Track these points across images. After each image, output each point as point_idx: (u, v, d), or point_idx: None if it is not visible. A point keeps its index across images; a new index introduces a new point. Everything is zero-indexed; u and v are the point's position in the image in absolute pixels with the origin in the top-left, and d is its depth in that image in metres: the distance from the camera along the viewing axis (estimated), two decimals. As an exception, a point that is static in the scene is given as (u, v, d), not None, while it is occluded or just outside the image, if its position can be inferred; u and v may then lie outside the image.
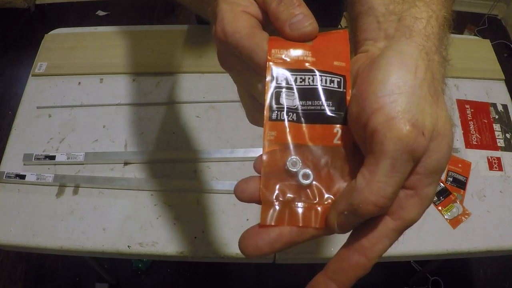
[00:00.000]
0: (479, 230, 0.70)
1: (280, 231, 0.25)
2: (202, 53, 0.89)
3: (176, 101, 0.83)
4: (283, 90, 0.25)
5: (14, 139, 0.78)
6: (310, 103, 0.25)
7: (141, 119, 0.81)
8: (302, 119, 0.25)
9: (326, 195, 0.25)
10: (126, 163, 0.76)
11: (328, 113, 0.25)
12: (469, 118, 0.83)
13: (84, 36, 0.94)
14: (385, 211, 0.23)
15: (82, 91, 0.85)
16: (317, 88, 0.25)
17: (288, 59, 0.25)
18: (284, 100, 0.25)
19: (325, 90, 0.25)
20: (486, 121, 0.83)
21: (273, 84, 0.25)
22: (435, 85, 0.25)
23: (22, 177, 0.72)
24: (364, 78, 0.24)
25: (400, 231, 0.24)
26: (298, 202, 0.25)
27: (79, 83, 0.86)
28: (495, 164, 0.77)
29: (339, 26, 1.05)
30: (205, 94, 0.84)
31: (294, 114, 0.25)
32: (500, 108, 0.85)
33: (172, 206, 0.71)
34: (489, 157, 0.78)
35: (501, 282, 1.41)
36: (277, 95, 0.25)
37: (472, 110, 0.84)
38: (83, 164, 0.75)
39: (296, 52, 0.25)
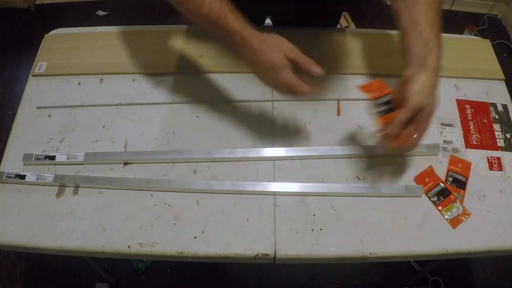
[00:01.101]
0: (479, 230, 0.70)
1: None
2: (202, 53, 0.90)
3: (176, 101, 0.83)
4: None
5: (14, 139, 0.78)
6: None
7: (141, 119, 0.81)
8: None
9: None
10: (126, 163, 0.76)
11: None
12: (469, 118, 0.83)
13: (84, 36, 0.94)
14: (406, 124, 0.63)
15: (82, 91, 0.85)
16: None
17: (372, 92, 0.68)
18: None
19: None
20: (486, 121, 0.83)
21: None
22: (432, 89, 0.63)
23: (22, 177, 0.72)
24: (410, 82, 0.62)
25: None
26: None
27: (79, 83, 0.86)
28: (495, 164, 0.77)
29: (338, 26, 1.05)
30: (205, 94, 0.84)
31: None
32: (500, 108, 0.85)
33: (172, 206, 0.71)
34: (489, 157, 0.78)
35: (501, 282, 1.41)
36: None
37: (472, 110, 0.84)
38: (83, 164, 0.75)
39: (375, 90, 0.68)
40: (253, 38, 0.60)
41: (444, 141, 0.79)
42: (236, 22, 0.60)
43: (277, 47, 0.61)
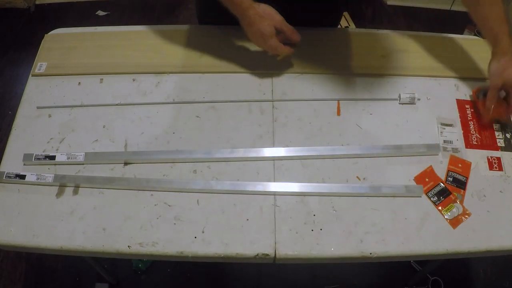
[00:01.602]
0: (479, 230, 0.70)
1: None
2: (202, 53, 0.90)
3: (176, 101, 0.83)
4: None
5: (14, 139, 0.78)
6: None
7: (141, 119, 0.81)
8: None
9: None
10: (126, 163, 0.76)
11: None
12: (469, 118, 0.83)
13: (84, 36, 0.94)
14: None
15: (82, 91, 0.85)
16: None
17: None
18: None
19: None
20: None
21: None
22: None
23: (22, 177, 0.72)
24: (498, 61, 0.79)
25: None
26: None
27: (79, 83, 0.86)
28: (495, 164, 0.77)
29: (339, 26, 1.05)
30: (205, 94, 0.84)
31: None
32: (500, 108, 0.85)
33: (172, 206, 0.71)
34: (489, 157, 0.78)
35: (501, 282, 1.41)
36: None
37: (472, 110, 0.84)
38: (83, 164, 0.75)
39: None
40: (250, 10, 0.75)
41: (444, 141, 0.79)
42: None
43: (268, 18, 0.76)
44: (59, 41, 0.92)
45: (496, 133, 0.82)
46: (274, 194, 0.72)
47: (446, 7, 2.24)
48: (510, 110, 0.80)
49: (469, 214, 0.71)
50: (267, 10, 0.76)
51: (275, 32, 0.77)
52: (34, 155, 0.75)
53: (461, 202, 0.73)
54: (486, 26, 0.79)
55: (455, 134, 0.81)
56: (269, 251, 0.67)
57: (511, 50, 0.78)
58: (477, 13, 0.79)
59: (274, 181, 0.74)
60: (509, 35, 0.77)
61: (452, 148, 0.79)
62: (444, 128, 0.81)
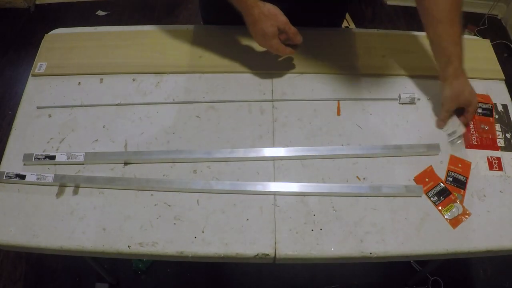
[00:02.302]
0: (479, 230, 0.70)
1: None
2: (202, 53, 0.90)
3: (176, 101, 0.83)
4: None
5: (14, 139, 0.78)
6: None
7: (141, 119, 0.81)
8: None
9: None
10: (126, 163, 0.76)
11: None
12: (469, 118, 0.83)
13: (84, 36, 0.94)
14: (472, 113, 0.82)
15: (82, 91, 0.85)
16: None
17: None
18: None
19: None
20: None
21: None
22: (469, 85, 0.80)
23: (22, 177, 0.72)
24: (457, 84, 0.78)
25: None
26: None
27: (79, 83, 0.86)
28: (495, 164, 0.77)
29: (342, 26, 1.05)
30: (205, 94, 0.84)
31: None
32: (500, 108, 0.85)
33: (172, 206, 0.71)
34: (489, 157, 0.78)
35: (501, 282, 1.41)
36: None
37: (472, 110, 0.84)
38: (83, 164, 0.75)
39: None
40: (255, 8, 0.74)
41: (448, 135, 0.80)
42: None
43: (272, 19, 0.75)
44: (59, 41, 0.92)
45: (496, 133, 0.82)
46: (274, 194, 0.72)
47: (446, 7, 2.23)
48: (465, 124, 0.80)
49: (469, 214, 0.71)
50: (272, 10, 0.76)
51: (277, 33, 0.77)
52: (34, 155, 0.75)
53: (461, 202, 0.73)
54: (441, 45, 0.77)
55: (456, 123, 0.80)
56: (269, 251, 0.67)
57: (463, 73, 0.77)
58: (434, 31, 0.77)
59: (274, 181, 0.74)
60: (461, 58, 0.76)
61: (457, 137, 0.80)
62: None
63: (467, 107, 0.79)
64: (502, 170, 0.77)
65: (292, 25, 0.77)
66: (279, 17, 0.76)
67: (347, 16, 2.07)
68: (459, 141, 0.80)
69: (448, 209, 0.72)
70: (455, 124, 0.79)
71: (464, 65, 0.76)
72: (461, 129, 0.79)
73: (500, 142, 0.80)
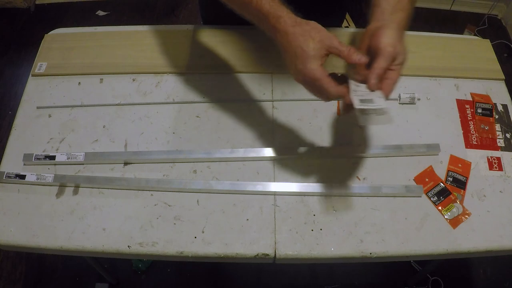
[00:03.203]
0: (479, 230, 0.70)
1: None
2: (202, 53, 0.89)
3: (176, 101, 0.83)
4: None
5: (14, 139, 0.78)
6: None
7: (141, 119, 0.81)
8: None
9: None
10: (126, 163, 0.76)
11: None
12: (469, 118, 0.83)
13: (84, 36, 0.94)
14: (383, 74, 0.57)
15: (82, 91, 0.85)
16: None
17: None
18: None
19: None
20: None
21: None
22: (401, 39, 0.59)
23: (22, 177, 0.72)
24: (377, 32, 0.58)
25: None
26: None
27: (79, 83, 0.86)
28: (495, 164, 0.77)
29: (342, 27, 1.05)
30: (205, 94, 0.84)
31: None
32: (500, 108, 0.85)
33: (172, 206, 0.71)
34: (489, 157, 0.78)
35: (501, 282, 1.41)
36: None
37: (472, 110, 0.84)
38: (83, 164, 0.75)
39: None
40: (287, 19, 0.56)
41: (361, 101, 0.56)
42: (269, 2, 0.57)
43: (314, 33, 0.55)
44: (59, 41, 0.92)
45: (496, 133, 0.82)
46: (274, 194, 0.72)
47: (446, 7, 2.24)
48: (387, 93, 0.58)
49: (469, 214, 0.71)
50: (312, 23, 0.57)
51: (322, 55, 0.56)
52: (34, 155, 0.75)
53: (461, 202, 0.73)
54: None
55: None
56: (269, 251, 0.67)
57: (405, 25, 0.62)
58: None
59: (274, 181, 0.74)
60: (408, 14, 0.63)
61: (373, 109, 0.57)
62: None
63: (397, 63, 0.58)
64: (502, 170, 0.77)
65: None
66: (322, 31, 0.56)
67: (347, 16, 2.07)
68: (374, 117, 0.57)
69: (448, 209, 0.72)
70: (375, 92, 0.56)
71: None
72: (381, 102, 0.55)
73: (500, 142, 0.80)
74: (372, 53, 0.57)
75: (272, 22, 0.57)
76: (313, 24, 0.56)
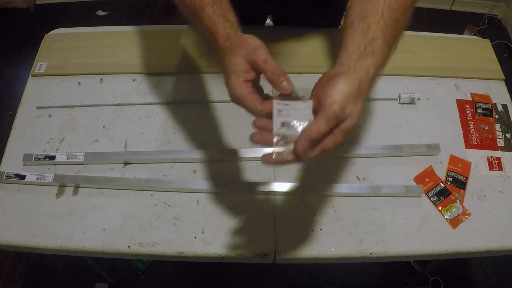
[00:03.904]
0: (479, 230, 0.70)
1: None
2: (202, 53, 0.89)
3: (176, 101, 0.83)
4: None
5: (14, 139, 0.78)
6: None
7: (141, 119, 0.81)
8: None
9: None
10: (126, 163, 0.76)
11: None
12: (469, 118, 0.83)
13: (84, 36, 0.94)
14: (320, 139, 0.45)
15: (82, 91, 0.85)
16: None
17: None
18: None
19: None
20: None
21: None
22: (358, 97, 0.47)
23: (22, 177, 0.72)
24: (329, 83, 0.47)
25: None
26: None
27: (79, 83, 0.86)
28: (495, 164, 0.77)
29: (339, 26, 1.05)
30: (205, 94, 0.84)
31: None
32: (500, 108, 0.85)
33: (172, 206, 0.71)
34: (489, 157, 0.78)
35: (501, 282, 1.41)
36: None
37: (472, 110, 0.84)
38: (83, 164, 0.75)
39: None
40: (222, 35, 0.51)
41: (280, 139, 0.47)
42: (210, 16, 0.53)
43: (238, 48, 0.49)
44: (59, 41, 0.92)
45: (496, 133, 0.82)
46: (274, 194, 0.72)
47: (446, 7, 2.24)
48: (324, 153, 0.47)
49: (469, 214, 0.71)
50: (245, 36, 0.51)
51: (244, 70, 0.48)
52: (34, 155, 0.75)
53: (461, 202, 0.73)
54: (360, 25, 0.52)
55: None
56: (269, 251, 0.67)
57: (374, 75, 0.51)
58: (357, 8, 0.54)
59: (274, 181, 0.74)
60: (385, 56, 0.52)
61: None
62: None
63: (341, 128, 0.46)
64: (502, 170, 0.77)
65: (275, 63, 0.48)
66: (250, 42, 0.49)
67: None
68: (285, 157, 0.46)
69: (448, 209, 0.72)
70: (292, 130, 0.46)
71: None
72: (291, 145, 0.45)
73: (500, 142, 0.80)
74: (316, 107, 0.47)
75: (213, 38, 0.52)
76: (244, 38, 0.50)
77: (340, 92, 0.46)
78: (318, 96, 0.47)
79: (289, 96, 0.48)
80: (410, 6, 0.55)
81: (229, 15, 0.54)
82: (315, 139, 0.44)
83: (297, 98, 0.49)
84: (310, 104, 0.48)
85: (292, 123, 0.47)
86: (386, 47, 0.51)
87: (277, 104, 0.47)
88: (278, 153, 0.46)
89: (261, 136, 0.47)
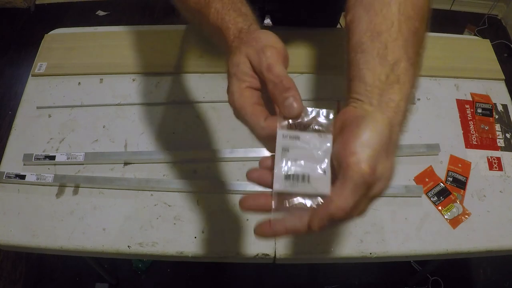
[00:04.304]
0: (479, 230, 0.70)
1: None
2: (202, 53, 0.89)
3: (176, 101, 0.83)
4: None
5: (14, 139, 0.78)
6: None
7: (141, 119, 0.81)
8: None
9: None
10: (126, 163, 0.76)
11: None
12: (469, 118, 0.83)
13: (84, 36, 0.94)
14: (349, 217, 0.35)
15: (82, 91, 0.85)
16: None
17: None
18: None
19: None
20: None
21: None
22: (390, 147, 0.35)
23: (22, 177, 0.72)
24: (349, 130, 0.35)
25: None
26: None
27: (79, 83, 0.86)
28: (495, 164, 0.77)
29: (339, 26, 1.05)
30: (205, 94, 0.84)
31: None
32: (500, 108, 0.85)
33: (172, 206, 0.71)
34: (489, 157, 0.78)
35: (501, 282, 1.41)
36: None
37: (472, 110, 0.84)
38: (83, 164, 0.75)
39: None
40: (233, 30, 0.41)
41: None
42: (221, 12, 0.43)
43: (243, 46, 0.38)
44: (59, 41, 0.92)
45: (496, 133, 0.81)
46: (274, 194, 0.72)
47: (446, 7, 2.24)
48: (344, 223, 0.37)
49: (469, 214, 0.71)
50: (260, 32, 0.40)
51: (244, 72, 0.38)
52: (34, 155, 0.75)
53: (461, 202, 0.73)
54: (374, 46, 0.40)
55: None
56: (269, 251, 0.67)
57: (405, 110, 0.38)
58: (365, 23, 0.42)
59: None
60: (413, 81, 0.40)
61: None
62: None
63: (370, 195, 0.35)
64: (502, 170, 0.77)
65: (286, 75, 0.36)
66: (254, 47, 0.38)
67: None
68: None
69: (448, 209, 0.72)
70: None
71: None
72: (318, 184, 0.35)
73: (500, 142, 0.80)
74: (336, 163, 0.35)
75: (222, 37, 0.42)
76: (257, 33, 0.39)
77: (367, 145, 0.33)
78: (336, 151, 0.35)
79: (299, 121, 0.35)
80: (428, 12, 0.44)
81: (243, 8, 0.43)
82: (339, 218, 0.33)
83: (312, 124, 0.36)
84: (329, 139, 0.35)
85: (302, 174, 0.34)
86: (412, 70, 0.40)
87: (282, 138, 0.34)
88: (280, 221, 0.33)
89: (261, 174, 0.37)
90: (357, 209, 0.35)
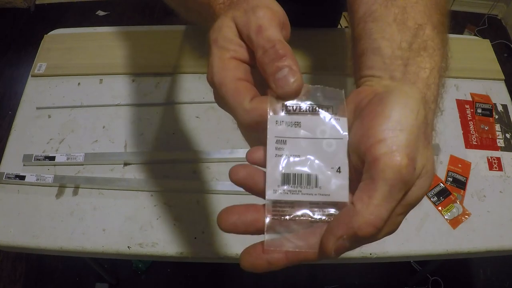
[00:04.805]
0: (479, 230, 0.70)
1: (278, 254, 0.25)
2: (202, 53, 0.89)
3: (176, 101, 0.83)
4: None
5: (13, 140, 0.78)
6: None
7: (141, 119, 0.81)
8: None
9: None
10: (126, 164, 0.76)
11: None
12: (469, 118, 0.83)
13: (84, 36, 0.94)
14: (380, 235, 0.26)
15: (82, 92, 0.85)
16: None
17: None
18: None
19: None
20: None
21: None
22: (428, 130, 0.26)
23: (22, 177, 0.72)
24: (370, 111, 0.25)
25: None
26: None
27: (79, 83, 0.86)
28: (495, 164, 0.77)
29: (339, 26, 1.05)
30: (205, 94, 0.84)
31: None
32: (500, 108, 0.85)
33: (172, 206, 0.71)
34: (489, 157, 0.78)
35: (501, 282, 1.41)
36: None
37: (472, 110, 0.84)
38: (82, 164, 0.75)
39: None
40: (217, 4, 0.33)
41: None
42: None
43: (236, 6, 0.30)
44: (59, 41, 0.92)
45: (496, 133, 0.81)
46: (274, 194, 0.72)
47: (446, 7, 2.24)
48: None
49: (469, 214, 0.71)
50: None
51: (230, 41, 0.31)
52: (34, 155, 0.75)
53: (461, 202, 0.73)
54: (389, 10, 0.32)
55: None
56: (269, 251, 0.67)
57: (438, 83, 0.32)
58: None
59: (274, 182, 0.74)
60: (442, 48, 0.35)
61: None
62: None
63: (406, 203, 0.28)
64: (502, 170, 0.77)
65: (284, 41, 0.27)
66: (254, 7, 0.28)
67: (347, 16, 2.07)
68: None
69: (448, 209, 0.72)
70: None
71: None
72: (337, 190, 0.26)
73: (500, 142, 0.80)
74: (356, 157, 0.26)
75: (210, 10, 0.35)
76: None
77: (400, 127, 0.24)
78: (354, 140, 0.25)
79: (297, 100, 0.26)
80: None
81: None
82: (365, 236, 0.25)
83: (316, 106, 0.26)
84: (344, 124, 0.25)
85: (307, 174, 0.24)
86: (439, 40, 0.34)
87: (275, 124, 0.25)
88: (277, 243, 0.24)
89: (250, 174, 0.27)
90: (392, 222, 0.26)
